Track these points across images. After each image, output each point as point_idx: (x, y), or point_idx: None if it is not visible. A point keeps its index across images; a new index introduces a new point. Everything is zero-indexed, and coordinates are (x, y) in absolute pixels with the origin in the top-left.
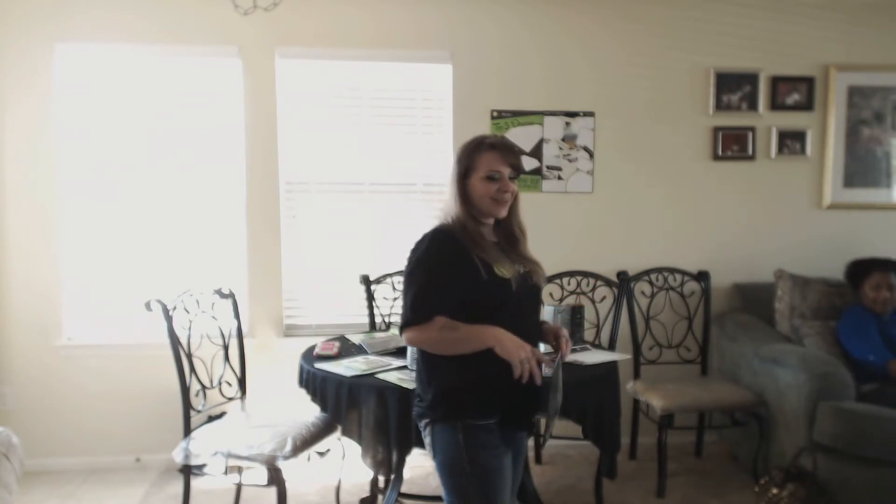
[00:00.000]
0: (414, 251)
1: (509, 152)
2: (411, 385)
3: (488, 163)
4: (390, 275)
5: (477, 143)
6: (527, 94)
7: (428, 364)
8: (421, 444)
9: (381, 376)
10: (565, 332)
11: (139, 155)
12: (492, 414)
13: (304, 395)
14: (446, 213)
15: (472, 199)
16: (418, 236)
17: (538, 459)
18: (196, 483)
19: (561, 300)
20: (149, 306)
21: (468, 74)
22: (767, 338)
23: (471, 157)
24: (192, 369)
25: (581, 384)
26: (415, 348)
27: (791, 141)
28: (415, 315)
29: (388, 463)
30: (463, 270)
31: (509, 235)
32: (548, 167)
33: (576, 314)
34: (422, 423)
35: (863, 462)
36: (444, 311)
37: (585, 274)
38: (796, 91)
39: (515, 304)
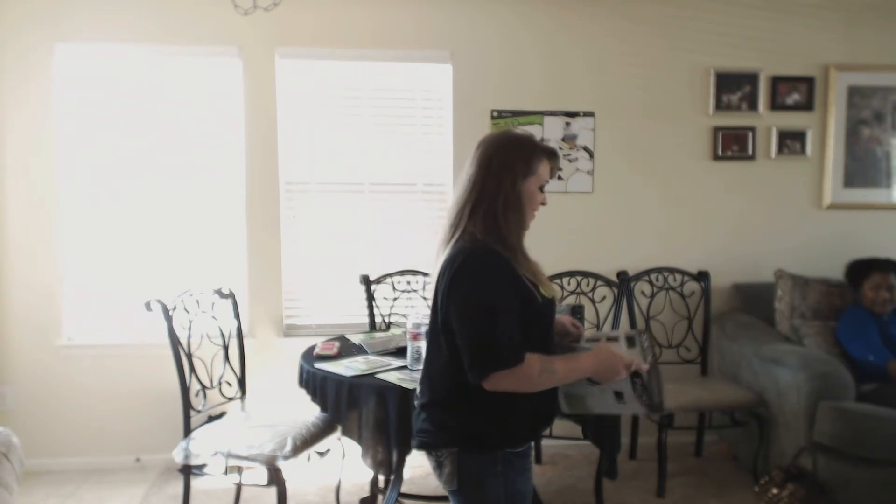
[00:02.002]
0: (469, 276)
1: (557, 161)
2: (411, 385)
3: (545, 172)
4: (390, 275)
5: (536, 146)
6: (527, 94)
7: (471, 394)
8: None
9: (381, 376)
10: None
11: (139, 155)
12: (529, 439)
13: (304, 395)
14: (493, 219)
15: (521, 206)
16: (457, 255)
17: (538, 459)
18: (196, 483)
19: (561, 300)
20: (149, 306)
21: (468, 74)
22: (767, 338)
23: (532, 160)
24: (192, 369)
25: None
26: (415, 349)
27: (791, 141)
28: (507, 358)
29: (388, 463)
30: (522, 295)
31: (524, 249)
32: None
33: (576, 314)
34: (440, 453)
35: (863, 462)
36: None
37: (585, 274)
38: (796, 91)
39: (552, 322)
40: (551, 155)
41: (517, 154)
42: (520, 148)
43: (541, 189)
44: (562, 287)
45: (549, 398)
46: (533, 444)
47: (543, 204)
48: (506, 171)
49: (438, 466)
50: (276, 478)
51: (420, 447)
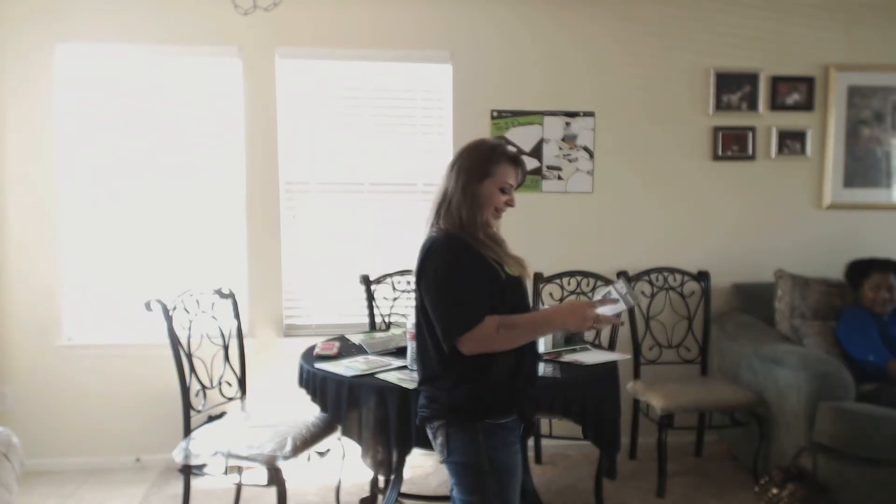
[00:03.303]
0: (435, 260)
1: (523, 168)
2: (411, 385)
3: (505, 174)
4: (390, 275)
5: (494, 151)
6: (527, 94)
7: (449, 369)
8: (421, 445)
9: (381, 376)
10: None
11: (139, 155)
12: (510, 411)
13: (304, 395)
14: (451, 215)
15: (476, 204)
16: (426, 243)
17: (538, 459)
18: (196, 483)
19: (561, 300)
20: (149, 306)
21: (468, 74)
22: (767, 338)
23: (488, 164)
24: (192, 369)
25: (581, 384)
26: (414, 349)
27: (791, 141)
28: (468, 321)
29: (388, 463)
30: (486, 271)
31: (494, 238)
32: (548, 167)
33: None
34: (433, 425)
35: (863, 462)
36: (487, 312)
37: (585, 274)
38: (796, 91)
39: (525, 298)
40: (514, 160)
41: (474, 158)
42: (478, 152)
43: (503, 191)
44: (562, 287)
45: (525, 369)
46: (521, 420)
47: (509, 204)
48: (463, 174)
49: (434, 438)
50: (276, 478)
51: (419, 422)
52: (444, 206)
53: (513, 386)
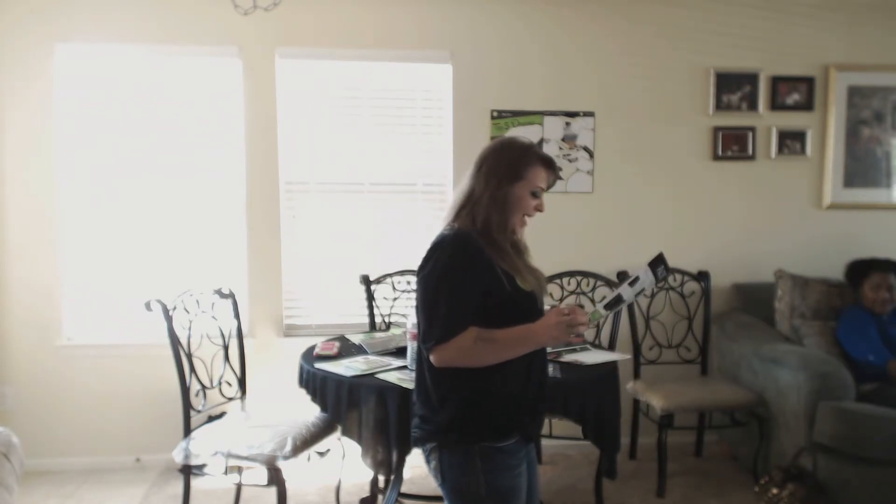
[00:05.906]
0: (435, 257)
1: (555, 171)
2: (411, 385)
3: (536, 177)
4: (390, 275)
5: (526, 153)
6: (527, 94)
7: (440, 383)
8: None
9: (381, 376)
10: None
11: (139, 155)
12: (511, 434)
13: (304, 395)
14: (474, 217)
15: (506, 208)
16: (435, 239)
17: (538, 459)
18: (196, 483)
19: (561, 300)
20: (149, 306)
21: (468, 74)
22: (767, 338)
23: (520, 165)
24: (192, 369)
25: (581, 384)
26: (415, 358)
27: (791, 141)
28: (447, 331)
29: (388, 463)
30: (487, 281)
31: (516, 245)
32: None
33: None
34: (426, 447)
35: (863, 462)
36: (473, 322)
37: (585, 274)
38: (796, 91)
39: (537, 315)
40: (547, 163)
41: (505, 159)
42: (509, 153)
43: (534, 195)
44: (562, 287)
45: (526, 389)
46: (525, 441)
47: (539, 210)
48: (492, 174)
49: (427, 462)
50: (276, 478)
51: (412, 444)
52: (468, 208)
53: (518, 406)
